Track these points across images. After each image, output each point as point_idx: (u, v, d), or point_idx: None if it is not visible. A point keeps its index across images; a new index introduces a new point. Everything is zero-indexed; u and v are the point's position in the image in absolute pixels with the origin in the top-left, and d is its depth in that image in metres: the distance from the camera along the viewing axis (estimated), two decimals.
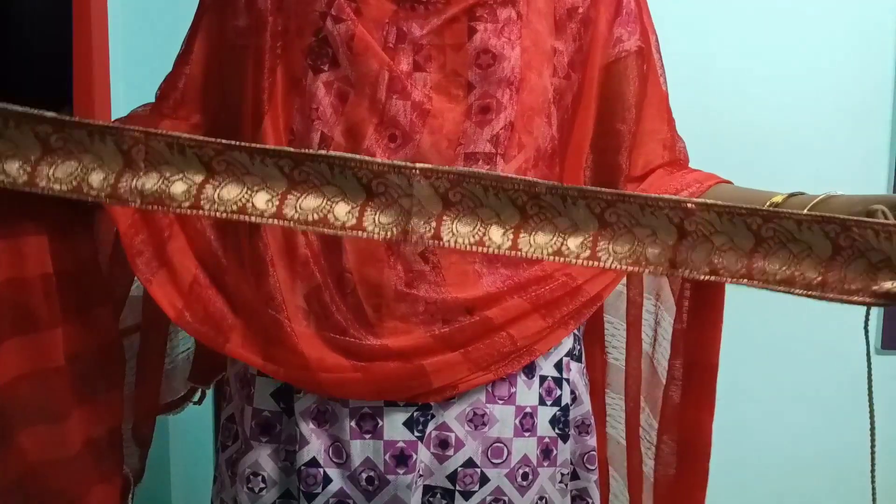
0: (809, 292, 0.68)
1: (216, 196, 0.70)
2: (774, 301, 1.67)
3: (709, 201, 0.70)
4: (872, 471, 0.75)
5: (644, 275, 0.98)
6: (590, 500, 0.95)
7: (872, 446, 0.74)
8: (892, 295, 0.66)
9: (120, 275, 0.92)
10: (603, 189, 0.71)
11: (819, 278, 0.68)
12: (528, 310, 0.85)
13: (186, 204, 0.70)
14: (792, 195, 0.81)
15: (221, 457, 0.94)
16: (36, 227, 0.77)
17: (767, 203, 0.80)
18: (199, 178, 0.70)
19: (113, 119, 0.97)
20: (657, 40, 0.94)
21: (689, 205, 0.69)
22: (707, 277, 0.69)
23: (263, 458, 0.87)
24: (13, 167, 0.69)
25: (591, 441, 0.95)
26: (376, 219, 0.70)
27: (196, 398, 1.11)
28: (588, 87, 0.90)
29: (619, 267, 0.71)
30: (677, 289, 0.98)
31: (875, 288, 0.66)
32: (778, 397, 1.69)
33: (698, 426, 0.93)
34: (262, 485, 0.87)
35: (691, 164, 1.00)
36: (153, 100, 0.94)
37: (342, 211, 0.70)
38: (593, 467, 0.95)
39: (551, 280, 0.86)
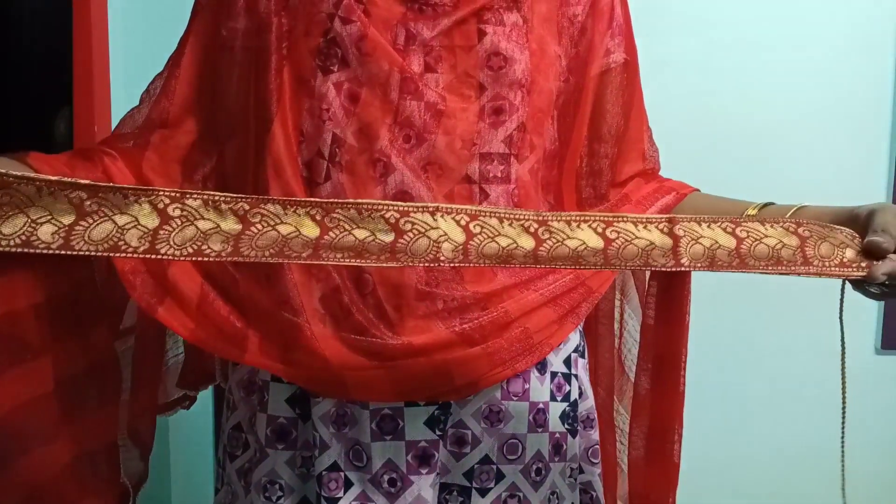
0: (793, 270, 0.77)
1: (253, 244, 0.72)
2: (773, 301, 1.70)
3: (685, 216, 0.80)
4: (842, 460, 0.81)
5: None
6: (594, 493, 0.96)
7: (843, 423, 0.82)
8: (859, 265, 0.76)
9: (117, 287, 0.88)
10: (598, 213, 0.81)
11: (801, 260, 0.77)
12: (541, 303, 0.86)
13: (225, 253, 0.71)
14: (764, 205, 0.87)
15: (230, 467, 0.92)
16: (27, 257, 0.74)
17: (744, 214, 0.85)
18: (235, 231, 0.72)
19: (98, 141, 0.95)
20: (637, 53, 0.98)
21: (672, 219, 0.79)
22: (708, 269, 0.77)
23: (280, 466, 0.86)
24: (47, 232, 0.68)
25: (595, 435, 0.97)
26: (408, 249, 0.73)
27: (186, 403, 1.08)
28: (585, 93, 0.92)
29: (608, 267, 0.78)
30: (642, 287, 1.01)
31: (845, 260, 0.76)
32: (775, 396, 1.71)
33: (669, 412, 0.97)
34: (280, 493, 0.86)
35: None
36: None
37: (374, 248, 0.73)
38: (597, 461, 0.97)
39: (560, 275, 0.88)
